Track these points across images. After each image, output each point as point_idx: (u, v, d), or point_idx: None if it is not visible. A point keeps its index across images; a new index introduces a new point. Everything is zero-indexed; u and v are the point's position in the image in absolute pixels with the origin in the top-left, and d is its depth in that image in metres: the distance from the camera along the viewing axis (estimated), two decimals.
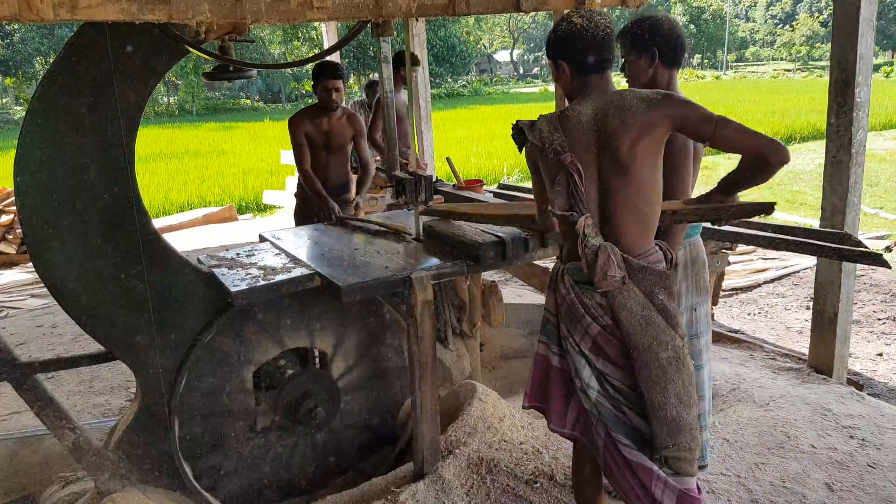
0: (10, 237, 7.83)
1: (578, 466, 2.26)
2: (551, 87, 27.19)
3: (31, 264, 7.10)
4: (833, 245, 2.56)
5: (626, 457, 1.92)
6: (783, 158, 1.77)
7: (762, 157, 1.78)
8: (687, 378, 1.89)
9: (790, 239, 2.72)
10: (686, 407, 1.87)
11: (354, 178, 4.48)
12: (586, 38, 1.90)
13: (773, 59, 62.99)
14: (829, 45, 3.40)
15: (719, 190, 2.00)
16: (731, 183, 1.97)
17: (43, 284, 2.71)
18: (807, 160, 13.28)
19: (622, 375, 1.92)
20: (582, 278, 1.94)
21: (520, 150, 2.09)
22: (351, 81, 34.36)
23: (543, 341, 2.18)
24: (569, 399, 2.11)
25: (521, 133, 2.03)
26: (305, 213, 4.38)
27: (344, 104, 4.27)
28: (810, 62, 56.24)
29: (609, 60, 1.96)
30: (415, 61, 5.03)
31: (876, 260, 2.42)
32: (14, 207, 7.86)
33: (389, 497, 2.65)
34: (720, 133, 1.81)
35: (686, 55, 2.44)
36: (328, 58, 3.89)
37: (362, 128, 4.27)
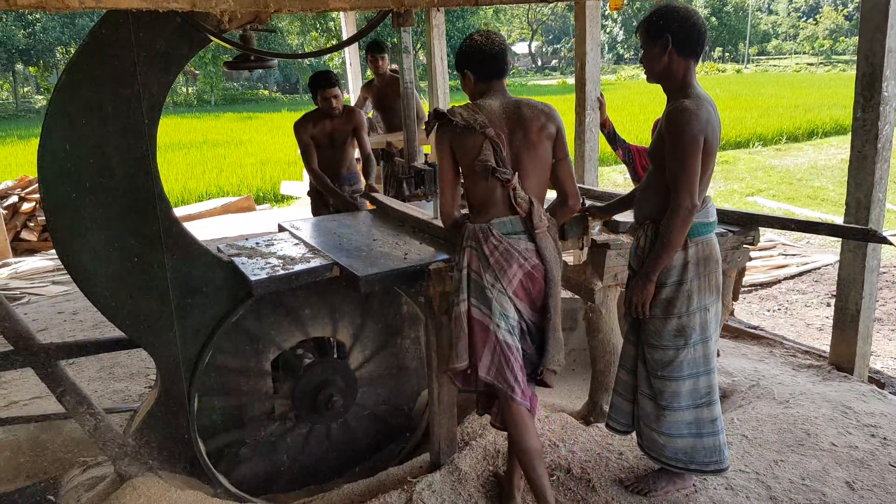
0: (32, 224, 7.94)
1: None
2: (570, 80, 26.98)
3: (52, 251, 7.20)
4: (827, 223, 2.90)
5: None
6: (576, 206, 2.54)
7: (566, 196, 2.50)
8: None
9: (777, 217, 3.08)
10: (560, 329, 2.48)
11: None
12: (485, 52, 2.40)
13: (796, 53, 61.94)
14: (853, 38, 3.36)
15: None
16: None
17: (64, 271, 2.74)
18: (829, 155, 13.09)
19: (533, 315, 2.43)
20: (508, 230, 2.37)
21: (428, 134, 2.45)
22: (369, 73, 34.27)
23: (476, 305, 2.38)
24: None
25: (438, 117, 2.40)
26: (322, 205, 4.55)
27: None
28: (833, 56, 55.26)
29: (503, 69, 2.45)
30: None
31: (872, 236, 2.80)
32: (36, 195, 7.96)
33: (406, 487, 2.66)
34: (561, 163, 2.46)
35: (706, 48, 2.40)
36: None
37: (361, 120, 4.37)
